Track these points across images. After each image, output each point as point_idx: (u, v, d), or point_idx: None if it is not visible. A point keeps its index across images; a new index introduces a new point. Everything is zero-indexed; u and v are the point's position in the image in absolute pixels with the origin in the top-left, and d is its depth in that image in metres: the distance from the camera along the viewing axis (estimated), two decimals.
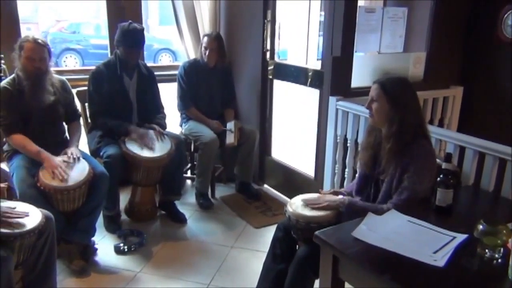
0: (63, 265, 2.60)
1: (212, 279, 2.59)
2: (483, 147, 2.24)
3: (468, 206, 2.09)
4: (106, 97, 3.04)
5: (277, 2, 3.61)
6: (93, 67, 3.16)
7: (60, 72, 3.08)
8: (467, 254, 1.49)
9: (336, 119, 3.05)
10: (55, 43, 9.82)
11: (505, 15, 3.34)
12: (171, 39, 10.63)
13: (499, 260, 1.43)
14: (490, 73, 3.49)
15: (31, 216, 2.05)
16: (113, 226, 3.05)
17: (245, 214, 3.39)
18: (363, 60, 3.28)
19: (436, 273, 1.39)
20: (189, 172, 3.89)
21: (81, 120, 3.06)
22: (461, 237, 1.56)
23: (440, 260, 1.43)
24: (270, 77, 3.76)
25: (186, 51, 3.96)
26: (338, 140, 3.09)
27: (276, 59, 3.77)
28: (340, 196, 2.04)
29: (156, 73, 3.36)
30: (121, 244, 2.84)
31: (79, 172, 2.58)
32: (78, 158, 2.65)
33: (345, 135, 3.04)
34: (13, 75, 2.65)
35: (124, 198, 3.26)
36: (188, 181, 3.91)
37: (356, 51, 3.11)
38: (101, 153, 2.94)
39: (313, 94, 3.45)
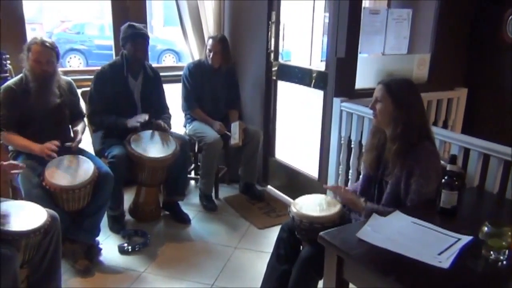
0: (68, 265, 2.61)
1: (216, 280, 2.59)
2: (487, 149, 2.24)
3: (473, 208, 2.08)
4: (107, 97, 3.05)
5: (282, 3, 3.61)
6: (98, 68, 3.17)
7: (64, 73, 3.09)
8: (472, 256, 1.49)
9: (340, 121, 3.05)
10: (59, 44, 9.66)
11: (510, 17, 3.33)
12: (175, 40, 10.67)
13: (504, 262, 1.43)
14: (495, 75, 3.49)
15: (37, 215, 2.07)
16: (117, 226, 3.06)
17: (249, 215, 3.39)
18: (367, 61, 3.28)
19: (441, 275, 1.39)
20: (193, 172, 3.90)
21: (86, 120, 3.07)
22: (466, 238, 1.56)
23: (445, 261, 1.43)
24: (274, 78, 3.76)
25: (191, 52, 3.96)
26: (342, 142, 3.09)
27: (280, 60, 3.78)
28: (362, 200, 2.01)
29: None
30: (125, 244, 2.85)
31: (84, 172, 2.60)
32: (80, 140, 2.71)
33: (349, 137, 3.04)
34: (21, 75, 2.66)
35: (128, 198, 3.27)
36: (192, 182, 3.92)
37: (360, 53, 3.12)
38: (106, 154, 2.96)
39: (317, 95, 3.46)
